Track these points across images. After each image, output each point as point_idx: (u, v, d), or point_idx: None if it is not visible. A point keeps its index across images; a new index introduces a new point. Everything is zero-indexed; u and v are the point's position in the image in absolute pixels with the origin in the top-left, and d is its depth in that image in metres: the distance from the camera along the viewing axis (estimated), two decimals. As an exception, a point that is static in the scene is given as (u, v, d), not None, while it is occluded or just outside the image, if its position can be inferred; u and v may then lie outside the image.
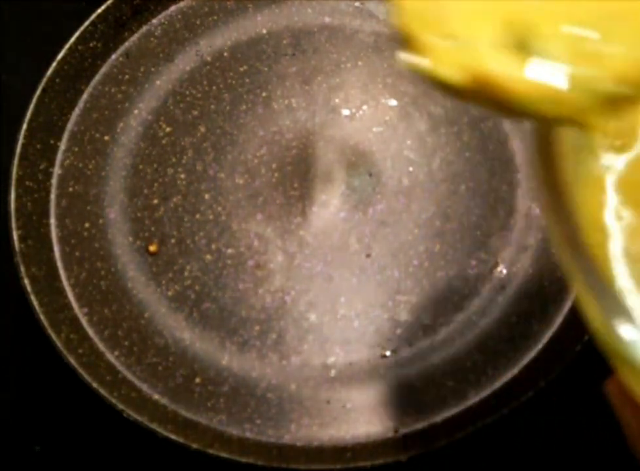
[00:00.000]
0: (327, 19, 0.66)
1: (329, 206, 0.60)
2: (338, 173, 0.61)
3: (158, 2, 0.67)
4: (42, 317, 0.54)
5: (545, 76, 0.27)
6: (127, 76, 0.65)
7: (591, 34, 0.28)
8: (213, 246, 0.59)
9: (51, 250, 0.59)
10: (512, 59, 0.28)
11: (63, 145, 0.62)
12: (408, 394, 0.55)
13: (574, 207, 0.30)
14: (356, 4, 0.67)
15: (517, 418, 0.51)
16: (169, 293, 0.58)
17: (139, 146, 0.62)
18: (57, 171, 0.61)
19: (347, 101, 0.63)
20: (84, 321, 0.57)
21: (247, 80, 0.64)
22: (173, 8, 0.67)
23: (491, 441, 0.56)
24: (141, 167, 0.62)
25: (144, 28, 0.66)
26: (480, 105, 0.29)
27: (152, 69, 0.65)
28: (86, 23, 0.63)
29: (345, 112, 0.63)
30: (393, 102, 0.63)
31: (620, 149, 0.33)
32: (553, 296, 0.57)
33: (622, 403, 0.35)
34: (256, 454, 0.51)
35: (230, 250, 0.59)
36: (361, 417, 0.54)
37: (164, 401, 0.54)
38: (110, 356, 0.56)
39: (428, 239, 0.59)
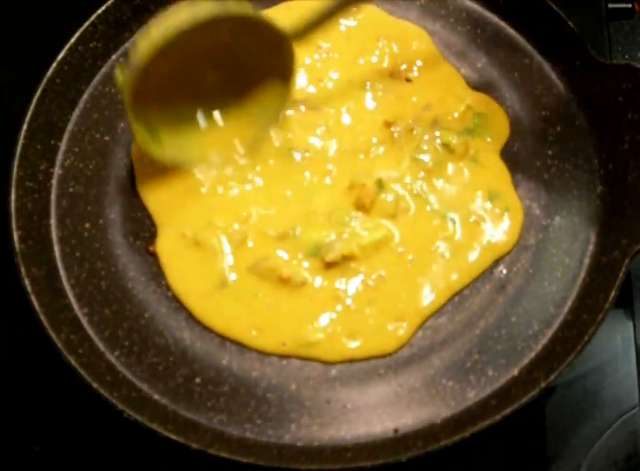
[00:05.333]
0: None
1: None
2: None
3: (158, 3, 0.66)
4: (42, 317, 0.54)
5: None
6: (127, 76, 0.65)
7: None
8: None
9: (51, 250, 0.59)
10: None
11: (63, 145, 0.62)
12: (408, 394, 0.55)
13: None
14: (356, 4, 0.67)
15: (517, 418, 0.51)
16: (169, 293, 0.58)
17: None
18: (57, 171, 0.61)
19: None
20: (84, 321, 0.57)
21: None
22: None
23: (490, 442, 0.56)
24: (141, 167, 0.62)
25: (144, 28, 0.66)
26: None
27: (152, 69, 0.65)
28: (86, 23, 0.63)
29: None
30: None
31: None
32: (553, 296, 0.57)
33: None
34: (256, 454, 0.51)
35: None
36: (361, 417, 0.54)
37: (164, 401, 0.54)
38: (110, 356, 0.56)
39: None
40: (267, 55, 0.59)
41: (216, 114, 0.61)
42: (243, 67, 0.60)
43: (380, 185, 0.59)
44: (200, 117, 0.60)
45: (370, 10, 0.66)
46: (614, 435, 0.57)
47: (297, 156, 0.61)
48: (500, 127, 0.62)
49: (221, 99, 0.61)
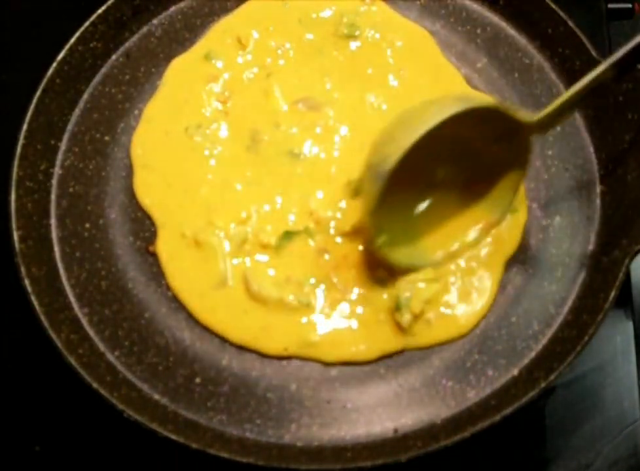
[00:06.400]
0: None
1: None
2: None
3: (158, 3, 0.67)
4: (42, 317, 0.54)
5: None
6: (127, 76, 0.65)
7: None
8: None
9: (51, 250, 0.59)
10: None
11: (63, 145, 0.62)
12: (408, 394, 0.55)
13: None
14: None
15: (517, 418, 0.51)
16: (169, 293, 0.58)
17: (139, 146, 0.63)
18: (57, 171, 0.61)
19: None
20: (84, 321, 0.57)
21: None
22: (173, 8, 0.67)
23: (490, 442, 0.56)
24: (141, 167, 0.62)
25: (144, 28, 0.66)
26: None
27: (152, 69, 0.65)
28: (86, 23, 0.63)
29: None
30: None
31: None
32: (553, 296, 0.57)
33: None
34: (256, 454, 0.51)
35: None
36: (361, 417, 0.54)
37: (164, 401, 0.54)
38: (110, 356, 0.56)
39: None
40: (502, 146, 0.55)
41: (439, 210, 0.58)
42: (476, 160, 0.57)
43: None
44: (425, 213, 0.57)
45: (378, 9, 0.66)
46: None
47: (297, 156, 0.61)
48: None
49: (451, 194, 0.58)
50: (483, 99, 0.55)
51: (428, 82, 0.64)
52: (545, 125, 0.54)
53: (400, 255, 0.56)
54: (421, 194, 0.58)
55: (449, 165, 0.57)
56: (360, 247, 0.58)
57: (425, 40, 0.65)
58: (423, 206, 0.58)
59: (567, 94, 0.52)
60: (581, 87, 0.52)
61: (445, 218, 0.58)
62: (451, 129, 0.51)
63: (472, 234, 0.58)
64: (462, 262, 0.57)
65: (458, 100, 0.51)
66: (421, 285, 0.56)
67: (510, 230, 0.59)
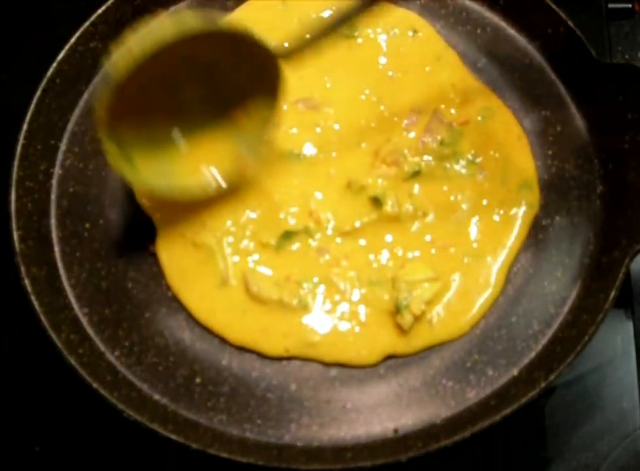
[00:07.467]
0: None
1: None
2: None
3: (158, 3, 0.67)
4: (42, 317, 0.54)
5: None
6: (127, 76, 0.65)
7: None
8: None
9: (51, 250, 0.59)
10: None
11: (63, 145, 0.62)
12: (408, 394, 0.55)
13: None
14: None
15: (517, 418, 0.51)
16: (169, 293, 0.58)
17: (139, 146, 0.63)
18: (57, 171, 0.61)
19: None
20: (84, 321, 0.57)
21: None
22: (172, 8, 0.67)
23: (490, 442, 0.56)
24: (141, 167, 0.62)
25: (145, 28, 0.66)
26: None
27: (152, 69, 0.65)
28: (86, 23, 0.63)
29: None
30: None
31: None
32: (553, 296, 0.57)
33: None
34: (256, 454, 0.51)
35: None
36: (361, 417, 0.54)
37: (164, 401, 0.54)
38: (110, 356, 0.56)
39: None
40: (252, 74, 0.55)
41: (192, 137, 0.57)
42: (225, 85, 0.56)
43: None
44: (176, 138, 0.57)
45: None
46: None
47: (297, 156, 0.61)
48: (508, 124, 0.62)
49: (200, 121, 0.57)
50: (228, 21, 0.54)
51: (429, 70, 0.64)
52: (291, 54, 0.54)
53: (142, 174, 0.55)
54: (171, 115, 0.56)
55: (196, 88, 0.56)
56: (361, 247, 0.58)
57: (425, 28, 0.66)
58: (172, 132, 0.57)
59: (317, 28, 0.53)
60: (331, 20, 0.53)
61: (199, 144, 0.57)
62: (192, 47, 0.51)
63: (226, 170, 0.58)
64: (465, 259, 0.57)
65: (197, 20, 0.51)
66: (422, 285, 0.55)
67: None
